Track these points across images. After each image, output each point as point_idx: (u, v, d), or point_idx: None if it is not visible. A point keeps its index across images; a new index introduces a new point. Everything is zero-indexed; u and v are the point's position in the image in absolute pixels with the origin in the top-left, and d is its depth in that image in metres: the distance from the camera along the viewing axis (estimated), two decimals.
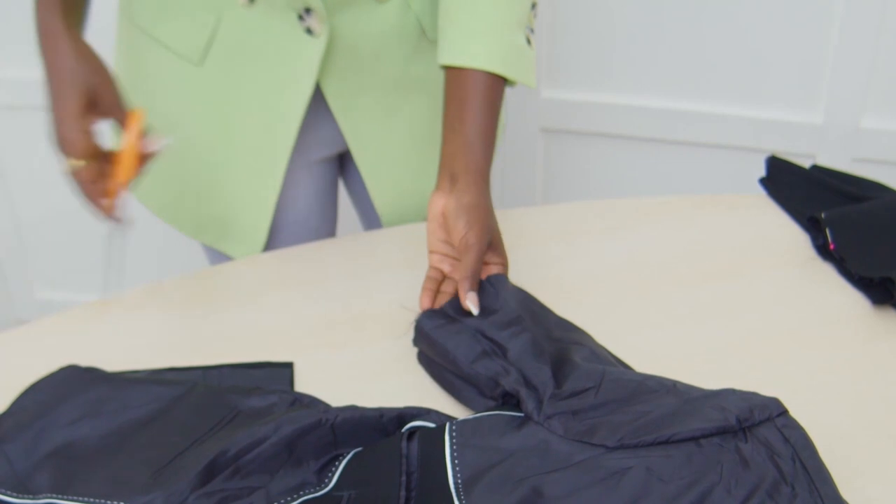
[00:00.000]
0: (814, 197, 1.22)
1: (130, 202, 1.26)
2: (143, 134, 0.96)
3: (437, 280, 1.01)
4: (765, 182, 1.27)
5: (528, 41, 1.09)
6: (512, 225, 1.20)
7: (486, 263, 1.00)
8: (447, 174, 1.03)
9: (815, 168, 1.28)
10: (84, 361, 0.97)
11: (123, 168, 0.95)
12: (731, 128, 1.87)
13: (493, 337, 0.91)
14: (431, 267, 1.02)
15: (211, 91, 1.12)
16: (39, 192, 2.21)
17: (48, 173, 2.17)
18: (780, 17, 1.75)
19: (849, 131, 1.80)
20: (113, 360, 0.99)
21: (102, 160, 0.97)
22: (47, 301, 2.33)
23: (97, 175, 0.96)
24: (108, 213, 0.97)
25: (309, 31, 1.09)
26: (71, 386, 0.93)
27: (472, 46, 1.05)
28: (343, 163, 1.31)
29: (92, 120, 0.96)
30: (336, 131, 1.19)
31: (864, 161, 1.80)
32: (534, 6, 1.10)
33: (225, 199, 1.18)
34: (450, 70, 1.07)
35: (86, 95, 0.96)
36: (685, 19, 1.80)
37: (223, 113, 1.11)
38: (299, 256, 1.15)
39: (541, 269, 1.12)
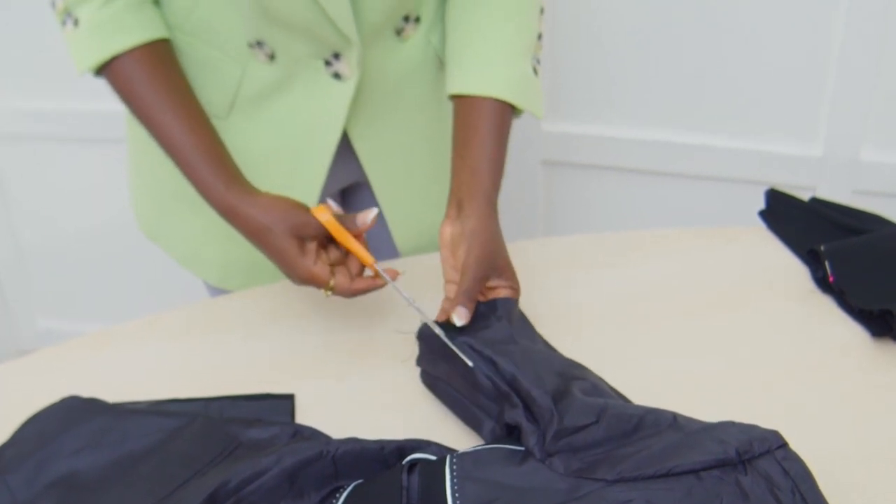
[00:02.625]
0: (813, 229, 1.22)
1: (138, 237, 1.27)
2: (342, 216, 1.00)
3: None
4: (765, 215, 1.27)
5: (535, 71, 1.10)
6: (513, 257, 1.20)
7: (492, 288, 1.00)
8: (455, 201, 1.03)
9: (815, 201, 1.28)
10: (85, 392, 0.97)
11: (356, 252, 1.00)
12: (731, 160, 1.88)
13: (497, 360, 0.91)
14: (447, 299, 1.01)
15: (236, 141, 1.11)
16: (42, 222, 2.22)
17: (50, 203, 2.19)
18: (780, 50, 1.77)
19: (848, 163, 1.81)
20: (114, 390, 0.99)
21: (341, 258, 1.02)
22: (49, 331, 2.34)
23: (348, 274, 1.01)
24: (378, 281, 1.01)
25: (336, 75, 1.09)
26: (72, 416, 0.93)
27: (482, 75, 1.06)
28: (345, 195, 1.32)
29: (309, 250, 1.00)
30: (351, 165, 1.19)
31: (864, 193, 1.81)
32: (539, 37, 1.11)
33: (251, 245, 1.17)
34: (458, 99, 1.08)
35: (292, 237, 0.99)
36: (686, 53, 1.81)
37: (248, 161, 1.10)
38: (299, 287, 1.15)
39: (542, 302, 1.12)
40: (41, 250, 2.25)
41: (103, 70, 1.05)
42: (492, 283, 1.00)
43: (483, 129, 1.05)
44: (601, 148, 1.94)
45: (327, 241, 1.03)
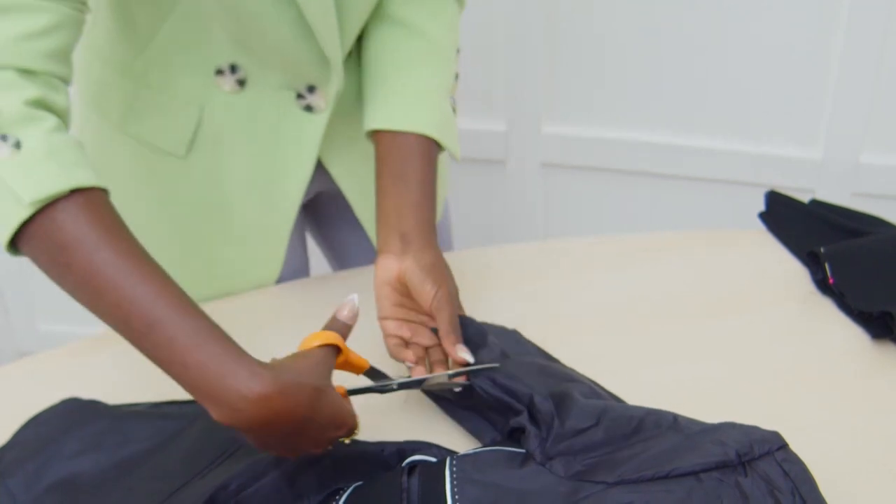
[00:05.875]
0: (813, 232, 1.22)
1: None
2: (328, 337, 0.85)
3: (404, 346, 0.97)
4: (764, 217, 1.27)
5: (454, 110, 1.08)
6: (512, 260, 1.21)
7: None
8: (396, 234, 0.98)
9: (815, 203, 1.28)
10: (85, 394, 0.98)
11: (351, 363, 0.89)
12: (730, 163, 1.88)
13: (493, 376, 0.91)
14: (390, 335, 0.97)
15: (199, 180, 1.07)
16: None
17: None
18: (780, 53, 1.77)
19: (848, 166, 1.81)
20: (114, 393, 0.99)
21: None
22: (49, 333, 2.33)
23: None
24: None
25: (308, 108, 1.06)
26: (72, 419, 0.93)
27: (408, 111, 1.03)
28: (313, 207, 1.30)
29: (324, 407, 0.79)
30: (316, 179, 1.15)
31: (864, 196, 1.81)
32: (456, 77, 1.09)
33: (224, 278, 1.14)
34: (383, 134, 1.03)
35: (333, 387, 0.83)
36: (685, 55, 1.82)
37: (215, 199, 1.06)
38: (297, 291, 1.15)
39: (541, 305, 1.12)
40: None
41: (43, 211, 0.77)
42: None
43: (416, 162, 1.01)
44: (600, 150, 1.94)
45: None
